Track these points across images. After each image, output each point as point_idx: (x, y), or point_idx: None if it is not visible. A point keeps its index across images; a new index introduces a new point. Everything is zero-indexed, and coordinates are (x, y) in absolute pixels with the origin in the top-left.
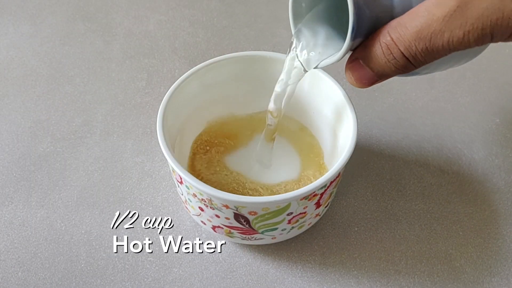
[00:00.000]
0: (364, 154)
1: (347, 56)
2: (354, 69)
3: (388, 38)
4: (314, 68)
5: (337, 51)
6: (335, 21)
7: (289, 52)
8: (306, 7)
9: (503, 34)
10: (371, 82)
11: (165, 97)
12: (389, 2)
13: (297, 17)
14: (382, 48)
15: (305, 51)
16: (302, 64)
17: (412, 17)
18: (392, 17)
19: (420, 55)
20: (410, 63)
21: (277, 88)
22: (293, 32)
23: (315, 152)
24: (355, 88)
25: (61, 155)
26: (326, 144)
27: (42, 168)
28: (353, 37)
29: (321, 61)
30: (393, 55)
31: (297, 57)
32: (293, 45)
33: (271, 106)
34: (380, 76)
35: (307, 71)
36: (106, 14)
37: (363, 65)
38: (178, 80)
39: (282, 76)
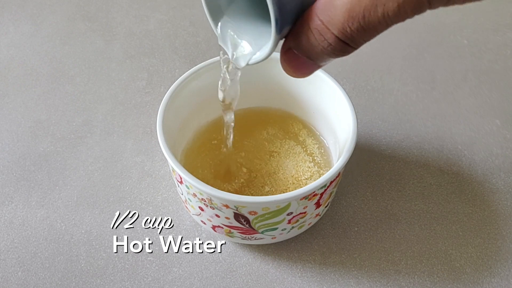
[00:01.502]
0: (364, 154)
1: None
2: (289, 60)
3: (318, 22)
4: (247, 65)
5: (267, 38)
6: (259, 7)
7: (221, 58)
8: (224, 1)
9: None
10: (312, 70)
11: (165, 96)
12: None
13: (215, 14)
14: (314, 35)
15: (233, 50)
16: (234, 64)
17: None
18: None
19: (356, 35)
20: (348, 45)
21: (220, 96)
22: (216, 33)
23: (315, 152)
24: (355, 89)
25: (61, 154)
26: (327, 144)
27: (42, 168)
28: (279, 30)
29: (252, 57)
30: (327, 41)
31: (230, 57)
32: (221, 48)
33: (223, 113)
34: (320, 62)
35: (239, 69)
36: (107, 13)
37: (298, 54)
38: (179, 79)
39: (220, 83)
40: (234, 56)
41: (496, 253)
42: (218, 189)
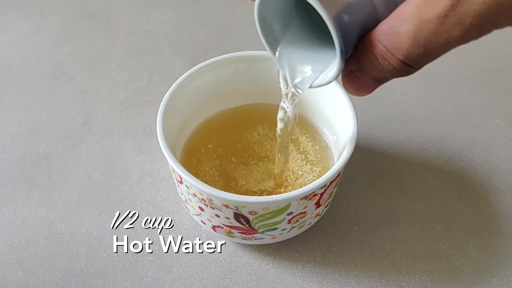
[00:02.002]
0: (364, 154)
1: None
2: (352, 82)
3: (382, 48)
4: (309, 88)
5: (327, 60)
6: (314, 29)
7: (280, 86)
8: (279, 29)
9: (507, 22)
10: (374, 88)
11: (165, 96)
12: (368, 2)
13: (271, 41)
14: (378, 60)
15: (295, 76)
16: (295, 90)
17: (401, 18)
18: (377, 19)
19: (419, 59)
20: (411, 67)
21: (279, 127)
22: (276, 61)
23: (309, 150)
24: None
25: (61, 154)
26: (325, 140)
27: (42, 168)
28: (344, 58)
29: (315, 80)
30: (392, 65)
31: (289, 83)
32: (281, 75)
33: (278, 128)
34: (381, 82)
35: (301, 92)
36: (107, 13)
37: (361, 76)
38: (179, 79)
39: (284, 106)
40: (297, 80)
41: (496, 253)
42: (218, 189)
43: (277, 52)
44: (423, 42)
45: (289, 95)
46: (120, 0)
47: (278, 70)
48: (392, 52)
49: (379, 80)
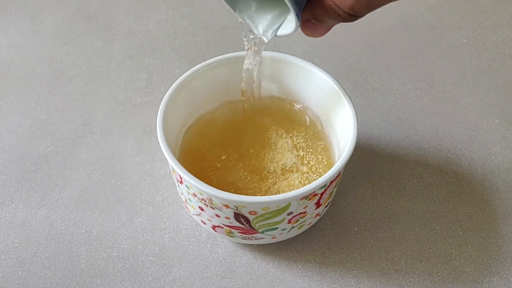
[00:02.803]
0: (364, 154)
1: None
2: (309, 28)
3: (331, 3)
4: (274, 36)
5: (282, 9)
6: None
7: (244, 37)
8: None
9: None
10: (326, 31)
11: (165, 96)
12: None
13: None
14: (328, 11)
15: (256, 26)
16: (260, 39)
17: None
18: None
19: (364, 8)
20: (357, 16)
21: (246, 66)
22: (237, 15)
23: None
24: (355, 88)
25: (61, 154)
26: (327, 143)
27: (42, 168)
28: (299, 18)
29: (277, 30)
30: (340, 15)
31: (255, 32)
32: (244, 28)
33: (243, 86)
34: (332, 26)
35: (266, 41)
36: (106, 13)
37: (314, 22)
38: (179, 79)
39: (248, 59)
40: (262, 30)
41: (495, 252)
42: (218, 189)
43: (236, 9)
44: None
45: (253, 47)
46: (119, 1)
47: (242, 23)
48: (339, 5)
49: (330, 25)
